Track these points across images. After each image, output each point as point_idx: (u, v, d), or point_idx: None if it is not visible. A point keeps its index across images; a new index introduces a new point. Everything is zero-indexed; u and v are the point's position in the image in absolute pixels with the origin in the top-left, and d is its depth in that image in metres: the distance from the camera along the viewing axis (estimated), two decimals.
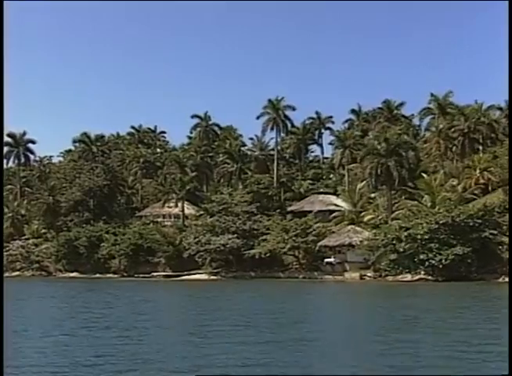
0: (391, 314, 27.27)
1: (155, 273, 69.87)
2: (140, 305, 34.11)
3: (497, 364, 15.40)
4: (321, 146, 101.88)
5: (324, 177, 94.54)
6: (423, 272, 54.85)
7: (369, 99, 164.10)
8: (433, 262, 52.40)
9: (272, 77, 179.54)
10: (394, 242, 55.26)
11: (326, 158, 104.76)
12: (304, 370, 15.58)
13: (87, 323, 24.87)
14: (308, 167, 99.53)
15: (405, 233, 54.22)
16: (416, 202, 60.45)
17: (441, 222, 53.06)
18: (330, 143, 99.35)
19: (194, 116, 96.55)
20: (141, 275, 70.14)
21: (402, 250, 55.26)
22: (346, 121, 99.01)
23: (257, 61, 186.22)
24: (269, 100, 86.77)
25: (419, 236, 53.38)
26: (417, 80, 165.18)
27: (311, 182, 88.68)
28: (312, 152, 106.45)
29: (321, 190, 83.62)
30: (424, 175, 64.25)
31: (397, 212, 62.56)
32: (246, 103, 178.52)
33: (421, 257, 53.27)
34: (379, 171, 63.54)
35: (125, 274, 72.01)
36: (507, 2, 55.58)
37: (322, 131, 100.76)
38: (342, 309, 31.36)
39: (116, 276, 72.20)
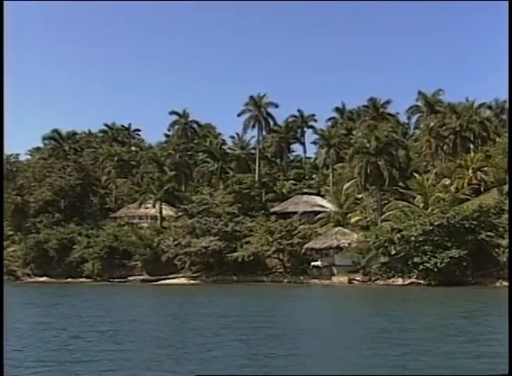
0: (375, 325, 24.67)
1: (131, 277, 69.01)
2: (112, 311, 31.36)
3: None
4: (303, 145, 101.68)
5: (307, 177, 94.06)
6: (415, 276, 53.62)
7: (353, 97, 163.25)
8: (428, 265, 51.15)
9: (253, 74, 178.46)
10: (386, 244, 53.93)
11: (309, 158, 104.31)
12: None
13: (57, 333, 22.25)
14: (290, 167, 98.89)
15: (398, 235, 52.96)
16: (407, 203, 59.40)
17: (435, 223, 51.91)
18: (313, 142, 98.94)
19: (172, 113, 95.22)
20: (116, 279, 68.84)
21: (394, 252, 53.92)
22: (329, 119, 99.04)
23: (237, 57, 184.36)
24: (251, 97, 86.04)
25: (412, 238, 52.17)
26: (403, 78, 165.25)
27: (293, 182, 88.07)
28: (293, 151, 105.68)
29: (305, 191, 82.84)
30: (416, 174, 63.37)
31: (387, 213, 61.69)
32: (225, 100, 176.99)
33: (415, 260, 52.04)
34: (368, 170, 62.57)
35: (99, 278, 70.40)
36: (507, 2, 56.38)
37: (305, 129, 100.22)
38: (322, 317, 28.77)
39: (89, 280, 70.48)
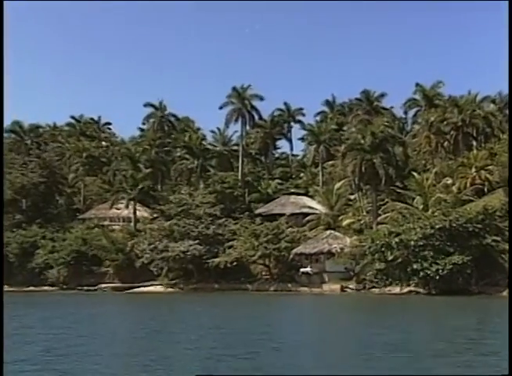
0: (380, 339, 23.54)
1: (102, 285, 68.50)
2: (73, 324, 29.84)
3: None
4: (290, 141, 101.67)
5: (293, 176, 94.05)
6: (413, 284, 53.26)
7: (345, 89, 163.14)
8: (428, 272, 50.60)
9: (236, 64, 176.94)
10: (382, 249, 53.48)
11: (295, 156, 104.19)
12: None
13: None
14: (275, 165, 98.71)
15: (396, 239, 52.38)
16: (405, 204, 59.00)
17: (436, 226, 51.43)
18: (301, 139, 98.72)
19: (147, 105, 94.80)
20: (84, 287, 67.94)
21: (391, 258, 53.44)
22: (318, 113, 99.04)
23: (218, 46, 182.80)
24: (234, 88, 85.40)
25: (412, 243, 51.62)
26: (398, 70, 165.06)
27: (279, 181, 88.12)
28: (279, 148, 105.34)
29: (292, 191, 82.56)
30: (415, 173, 63.07)
31: (383, 216, 61.33)
32: (205, 92, 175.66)
33: (414, 266, 51.47)
34: (363, 168, 62.16)
35: (65, 287, 69.57)
36: (507, 2, 57.90)
37: (292, 124, 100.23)
38: (313, 331, 27.38)
39: (54, 288, 69.43)
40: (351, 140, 65.73)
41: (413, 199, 58.87)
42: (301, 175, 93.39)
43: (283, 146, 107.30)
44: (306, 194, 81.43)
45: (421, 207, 57.29)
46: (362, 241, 56.64)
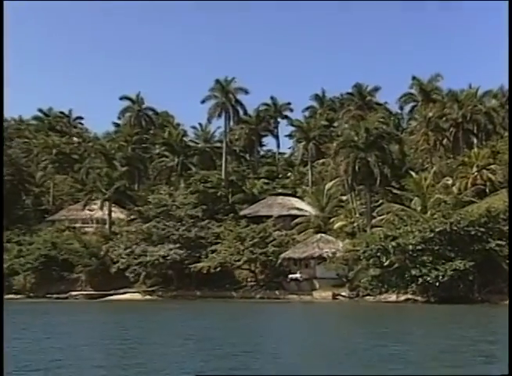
0: (385, 351, 22.71)
1: (73, 293, 67.82)
2: (32, 336, 28.58)
3: None
4: (277, 138, 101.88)
5: (280, 176, 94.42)
6: (411, 292, 52.93)
7: (335, 83, 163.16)
8: (427, 278, 50.14)
9: (219, 55, 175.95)
10: (378, 254, 53.02)
11: (282, 154, 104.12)
12: None
13: None
14: (261, 163, 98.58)
15: (393, 243, 51.88)
16: (402, 206, 58.64)
17: (436, 229, 51.02)
18: (289, 135, 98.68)
19: (123, 98, 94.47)
20: (54, 295, 67.06)
21: (387, 264, 53.08)
22: (307, 108, 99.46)
23: (200, 35, 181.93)
24: (217, 81, 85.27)
25: (410, 247, 51.18)
26: (392, 63, 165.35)
27: (265, 181, 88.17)
28: (264, 145, 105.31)
29: (280, 191, 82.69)
30: (412, 173, 62.86)
31: (379, 218, 61.26)
32: (186, 85, 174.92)
33: (413, 272, 50.95)
34: (356, 167, 61.96)
35: (32, 295, 68.85)
36: (507, 2, 58.60)
37: (279, 120, 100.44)
38: (304, 345, 26.24)
39: (19, 297, 68.38)
40: (343, 137, 65.65)
41: (411, 200, 58.68)
42: (289, 174, 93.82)
43: (268, 143, 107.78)
44: (294, 195, 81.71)
45: (419, 208, 57.00)
46: (356, 245, 56.40)
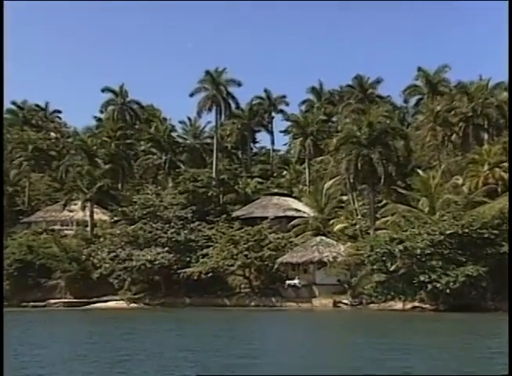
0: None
1: (51, 300, 67.62)
2: (21, 347, 27.72)
3: None
4: (271, 133, 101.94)
5: (275, 174, 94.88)
6: (418, 299, 52.57)
7: (333, 75, 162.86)
8: (437, 284, 49.58)
9: (208, 44, 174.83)
10: (384, 258, 52.49)
11: (277, 151, 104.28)
12: None
13: None
14: (254, 161, 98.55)
15: (400, 247, 51.33)
16: (409, 207, 58.18)
17: (447, 232, 50.47)
18: (284, 131, 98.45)
19: (106, 90, 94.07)
20: (31, 303, 66.94)
21: (393, 269, 52.57)
22: (303, 102, 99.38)
23: (187, 22, 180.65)
24: (207, 72, 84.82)
25: (418, 251, 50.64)
26: (396, 54, 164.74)
27: (259, 180, 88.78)
28: (258, 142, 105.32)
29: (275, 191, 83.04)
30: (419, 171, 62.58)
31: (383, 219, 60.91)
32: (173, 77, 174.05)
33: (421, 278, 50.40)
34: (359, 165, 61.58)
35: (6, 303, 66.65)
36: (507, 2, 61.02)
37: (273, 114, 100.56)
38: (294, 359, 25.32)
39: None
40: (344, 132, 65.32)
41: (418, 200, 58.18)
42: (284, 173, 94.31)
43: (262, 139, 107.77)
44: (290, 195, 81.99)
45: (427, 209, 56.49)
46: (360, 249, 55.83)
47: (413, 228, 53.21)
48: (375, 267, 53.78)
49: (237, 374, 17.80)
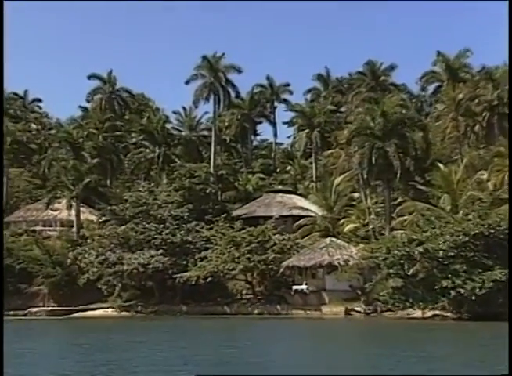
0: None
1: (33, 309, 67.30)
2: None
3: None
4: (274, 125, 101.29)
5: (278, 170, 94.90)
6: (440, 307, 51.99)
7: (342, 61, 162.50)
8: (462, 291, 49.02)
9: (206, 29, 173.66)
10: (402, 261, 52.02)
11: (279, 144, 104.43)
12: None
13: None
14: (254, 155, 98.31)
15: (420, 249, 50.85)
16: (428, 205, 57.79)
17: (472, 233, 49.88)
18: (288, 122, 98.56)
19: (93, 77, 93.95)
20: (10, 312, 65.04)
21: (412, 273, 52.15)
22: (309, 90, 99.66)
23: (183, 5, 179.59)
24: (204, 58, 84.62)
25: (440, 254, 50.18)
26: (410, 39, 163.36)
27: (261, 176, 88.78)
28: (258, 134, 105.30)
29: (279, 187, 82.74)
30: (440, 165, 62.16)
31: (400, 219, 60.70)
32: (166, 63, 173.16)
33: (444, 284, 49.83)
34: (373, 159, 61.14)
35: None
36: (507, 2, 63.16)
37: (276, 104, 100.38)
38: None
39: None
40: (357, 123, 64.87)
41: (438, 198, 57.89)
42: (288, 168, 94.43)
43: (263, 131, 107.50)
44: (295, 192, 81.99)
45: (449, 208, 56.16)
46: (375, 251, 55.26)
47: (434, 228, 52.70)
48: (392, 271, 53.23)
49: (237, 374, 18.27)
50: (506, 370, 16.57)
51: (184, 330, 46.74)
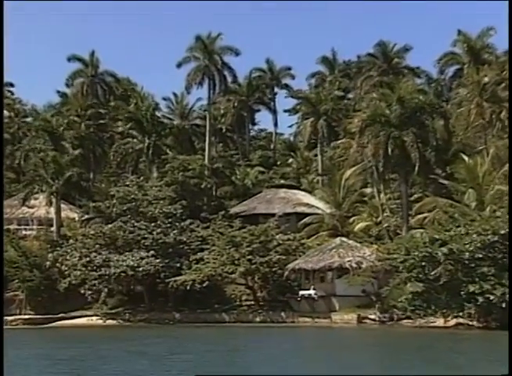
0: None
1: (8, 317, 66.12)
2: None
3: None
4: (274, 113, 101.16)
5: (279, 162, 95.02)
6: (467, 314, 51.26)
7: (349, 43, 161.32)
8: (491, 297, 48.21)
9: (199, 7, 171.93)
10: (423, 264, 51.24)
11: (280, 134, 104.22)
12: None
13: None
14: (252, 147, 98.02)
15: (444, 250, 50.04)
16: (451, 201, 57.61)
17: (501, 232, 49.07)
18: (290, 110, 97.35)
19: (73, 58, 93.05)
20: None
21: (433, 277, 51.20)
22: (313, 74, 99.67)
23: None
24: (198, 38, 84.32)
25: (467, 255, 49.33)
26: (425, 18, 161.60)
27: (260, 169, 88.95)
28: (256, 124, 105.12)
29: (282, 182, 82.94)
30: (464, 156, 61.64)
31: (419, 216, 60.37)
32: (155, 45, 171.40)
33: (471, 289, 48.96)
34: (389, 150, 60.53)
35: None
36: (507, 2, 64.96)
37: (276, 90, 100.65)
38: None
39: None
40: (370, 110, 64.22)
41: (463, 193, 57.61)
42: (290, 160, 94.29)
43: (260, 120, 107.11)
44: (298, 187, 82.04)
45: (474, 204, 55.83)
46: (392, 252, 54.74)
47: (459, 226, 51.99)
48: (412, 274, 52.58)
49: (237, 374, 19.33)
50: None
51: (180, 340, 46.05)
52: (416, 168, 61.17)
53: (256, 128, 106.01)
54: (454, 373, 27.48)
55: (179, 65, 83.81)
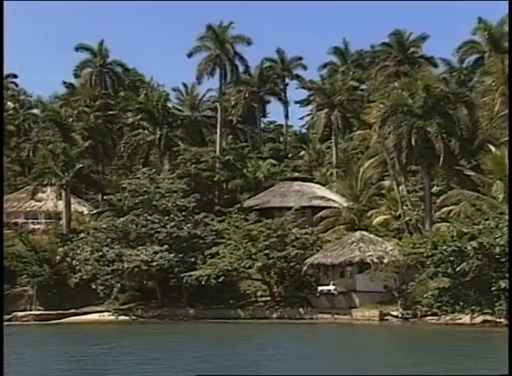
0: None
1: (18, 313, 66.01)
2: None
3: None
4: (286, 104, 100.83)
5: (290, 155, 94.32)
6: (498, 311, 49.87)
7: (361, 33, 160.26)
8: None
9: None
10: (451, 258, 50.37)
11: (290, 126, 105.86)
12: None
13: None
14: (264, 139, 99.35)
15: (475, 244, 49.33)
16: (478, 193, 56.76)
17: None
18: (301, 101, 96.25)
19: (81, 48, 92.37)
20: None
21: (461, 272, 50.48)
22: (325, 65, 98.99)
23: None
24: (209, 27, 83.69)
25: (497, 250, 48.55)
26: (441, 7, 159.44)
27: (272, 162, 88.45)
28: (266, 115, 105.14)
29: (296, 175, 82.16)
30: (491, 147, 60.44)
31: (444, 209, 59.50)
32: (164, 34, 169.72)
33: (502, 285, 48.35)
34: (412, 141, 59.05)
35: None
36: (507, 2, 66.27)
37: (287, 81, 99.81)
38: None
39: None
40: (392, 99, 62.80)
41: (490, 185, 56.74)
42: (302, 153, 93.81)
43: (270, 112, 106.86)
44: (312, 180, 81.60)
45: (502, 196, 54.71)
46: (417, 246, 53.56)
47: (487, 220, 51.48)
48: (440, 270, 51.78)
49: (237, 374, 20.02)
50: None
51: (195, 338, 44.98)
52: (441, 160, 59.76)
53: (265, 120, 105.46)
54: None
55: (190, 55, 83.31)
